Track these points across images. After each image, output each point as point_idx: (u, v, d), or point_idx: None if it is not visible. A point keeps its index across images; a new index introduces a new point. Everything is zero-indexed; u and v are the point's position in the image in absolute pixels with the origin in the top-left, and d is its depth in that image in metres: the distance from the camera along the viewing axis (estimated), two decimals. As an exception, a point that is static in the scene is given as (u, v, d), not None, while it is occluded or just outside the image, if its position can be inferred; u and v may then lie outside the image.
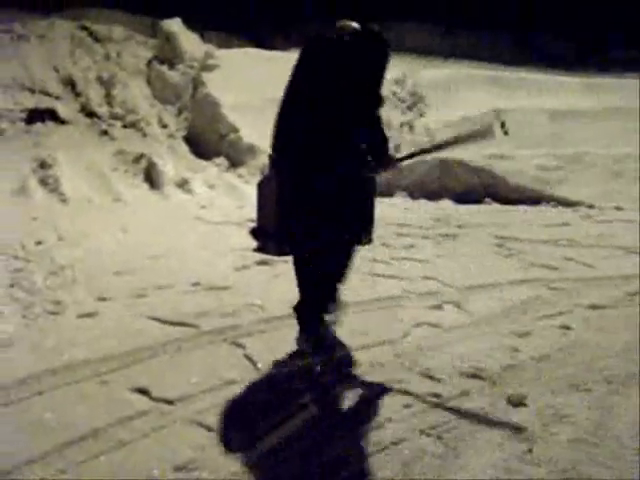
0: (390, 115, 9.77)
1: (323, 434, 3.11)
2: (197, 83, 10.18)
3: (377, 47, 3.75)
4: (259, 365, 3.77)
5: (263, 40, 15.67)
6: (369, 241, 5.94)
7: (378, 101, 3.89)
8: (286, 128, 3.79)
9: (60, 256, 5.49)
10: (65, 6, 14.01)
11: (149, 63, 12.06)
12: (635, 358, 3.94)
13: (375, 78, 3.79)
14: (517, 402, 3.45)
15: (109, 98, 10.90)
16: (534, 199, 7.66)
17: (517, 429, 3.19)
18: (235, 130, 8.80)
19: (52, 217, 6.65)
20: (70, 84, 11.36)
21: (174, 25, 11.98)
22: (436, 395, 3.47)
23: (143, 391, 3.48)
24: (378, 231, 6.23)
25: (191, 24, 12.95)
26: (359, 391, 3.53)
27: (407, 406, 3.37)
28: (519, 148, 8.55)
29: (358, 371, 3.73)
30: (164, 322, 4.32)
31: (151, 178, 8.04)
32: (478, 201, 7.78)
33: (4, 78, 11.06)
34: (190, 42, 11.73)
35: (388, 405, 3.37)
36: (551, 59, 13.98)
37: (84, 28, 12.83)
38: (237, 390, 3.52)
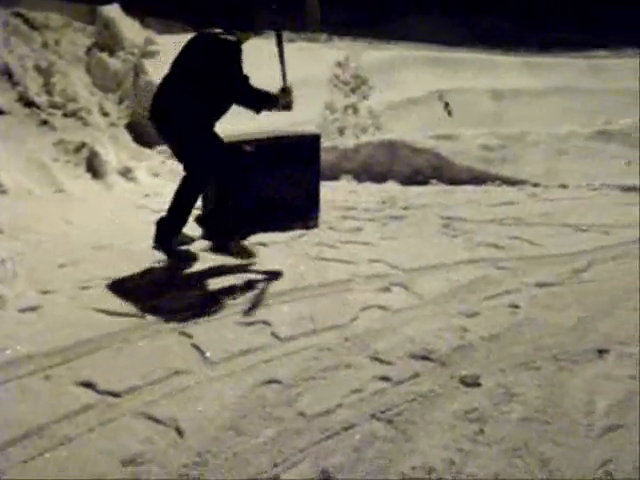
0: (334, 98, 9.74)
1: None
2: (138, 70, 9.99)
3: (215, 45, 5.04)
4: (208, 354, 3.69)
5: (204, 25, 15.49)
6: (315, 225, 5.95)
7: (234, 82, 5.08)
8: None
9: (0, 249, 5.33)
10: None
11: (88, 50, 11.81)
12: (584, 335, 3.95)
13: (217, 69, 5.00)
14: (471, 382, 3.43)
15: (48, 87, 10.63)
16: (480, 179, 7.67)
17: (469, 410, 3.17)
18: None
19: (-9, 209, 6.46)
20: (7, 73, 11.06)
21: (113, 11, 11.75)
22: (386, 378, 3.45)
23: (89, 384, 3.39)
24: (324, 215, 6.27)
25: (130, 10, 12.76)
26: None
27: (356, 391, 3.33)
28: (462, 128, 8.56)
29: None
30: (109, 313, 4.22)
31: (94, 168, 7.86)
32: (424, 182, 7.76)
33: None
34: (130, 28, 11.52)
35: (336, 390, 3.32)
36: (494, 39, 14.02)
37: (19, 15, 12.50)
38: (185, 380, 3.44)
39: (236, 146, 5.82)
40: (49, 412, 3.14)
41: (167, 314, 4.20)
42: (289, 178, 6.13)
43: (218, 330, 3.99)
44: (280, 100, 5.29)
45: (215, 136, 5.17)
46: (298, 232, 5.83)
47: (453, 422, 3.09)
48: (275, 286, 4.63)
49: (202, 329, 4.00)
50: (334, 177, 7.82)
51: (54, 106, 9.97)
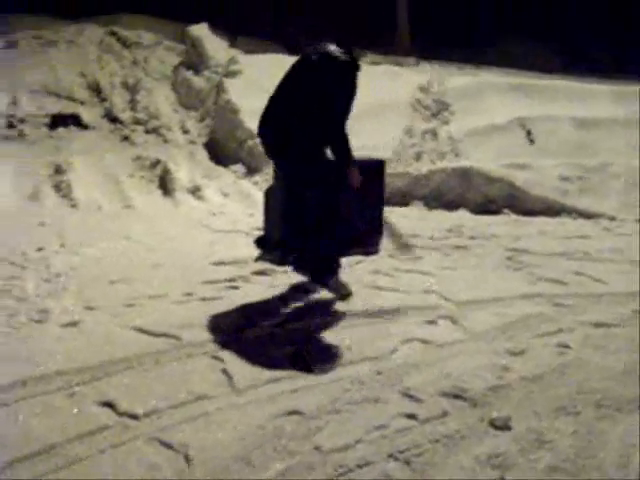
0: (413, 123, 9.62)
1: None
2: (220, 89, 10.09)
3: (335, 68, 4.59)
4: (235, 379, 3.63)
5: (296, 45, 15.60)
6: (375, 252, 5.84)
7: (336, 116, 4.65)
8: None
9: (57, 263, 5.43)
10: (96, 12, 14.04)
11: (176, 69, 12.03)
12: (633, 381, 3.73)
13: (333, 94, 4.59)
14: (501, 425, 3.27)
15: (133, 103, 10.87)
16: (554, 211, 7.42)
17: (493, 455, 3.02)
18: (253, 137, 8.64)
19: (59, 223, 6.60)
20: (96, 89, 11.39)
21: (200, 30, 11.95)
22: (412, 416, 3.32)
23: (110, 405, 3.38)
24: (386, 242, 6.16)
25: (224, 30, 12.95)
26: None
27: (379, 427, 3.21)
28: (542, 157, 8.33)
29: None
30: (147, 333, 4.21)
31: (165, 185, 7.96)
32: (497, 212, 7.56)
33: (32, 83, 11.14)
34: (216, 47, 11.68)
35: (359, 425, 3.21)
36: (590, 67, 13.66)
37: (113, 34, 12.89)
38: (207, 405, 3.38)
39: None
40: (65, 431, 3.14)
41: (205, 336, 4.17)
42: (352, 203, 6.02)
43: (252, 356, 3.92)
44: (349, 168, 4.89)
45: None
46: (357, 258, 5.72)
47: (474, 467, 2.95)
48: (319, 314, 4.53)
49: (236, 354, 3.94)
50: (404, 203, 7.70)
51: (137, 122, 10.21)
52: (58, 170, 8.13)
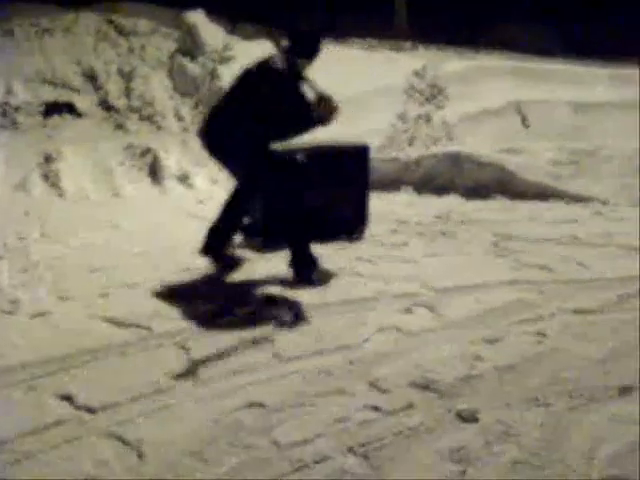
0: (407, 108, 9.51)
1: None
2: (213, 75, 9.99)
3: (266, 76, 4.72)
4: (199, 370, 3.56)
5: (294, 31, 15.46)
6: (359, 238, 5.76)
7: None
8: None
9: (37, 253, 5.37)
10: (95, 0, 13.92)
11: (171, 55, 11.92)
12: (610, 370, 3.64)
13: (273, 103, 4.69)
14: (468, 417, 3.19)
15: (128, 91, 10.79)
16: (546, 195, 7.31)
17: (456, 448, 2.93)
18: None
19: (44, 212, 6.55)
20: (91, 77, 11.29)
21: (196, 16, 11.84)
22: (376, 408, 3.23)
23: (68, 398, 3.30)
24: (373, 228, 6.07)
25: (223, 16, 12.84)
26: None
27: (341, 420, 3.12)
28: (536, 141, 8.21)
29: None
30: (117, 323, 4.14)
31: (154, 172, 7.88)
32: (487, 197, 7.45)
33: (27, 72, 11.05)
34: (211, 34, 11.56)
35: (321, 418, 3.12)
36: (590, 50, 13.48)
37: (110, 22, 12.77)
38: (167, 398, 3.30)
39: (288, 157, 5.69)
40: (19, 425, 3.06)
41: (176, 326, 4.10)
42: (336, 189, 5.95)
43: (220, 345, 3.85)
44: (315, 112, 4.75)
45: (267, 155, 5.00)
46: (341, 245, 5.63)
47: (435, 461, 2.86)
48: (294, 302, 4.45)
49: (205, 344, 3.87)
50: (394, 189, 7.59)
51: (131, 110, 10.12)
52: (48, 159, 8.07)
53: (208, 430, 3.04)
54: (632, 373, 3.59)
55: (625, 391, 3.44)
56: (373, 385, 3.44)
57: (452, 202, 7.26)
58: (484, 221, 6.48)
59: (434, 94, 9.79)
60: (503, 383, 3.50)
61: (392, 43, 12.89)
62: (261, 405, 3.25)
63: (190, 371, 3.59)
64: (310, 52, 4.83)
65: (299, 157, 5.84)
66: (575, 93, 9.82)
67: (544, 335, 4.05)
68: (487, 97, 9.57)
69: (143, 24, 12.87)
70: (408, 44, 13.03)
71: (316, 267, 4.91)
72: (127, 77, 11.12)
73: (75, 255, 5.35)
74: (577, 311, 4.39)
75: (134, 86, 10.76)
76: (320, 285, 4.81)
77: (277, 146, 5.72)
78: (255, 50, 10.42)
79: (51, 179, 7.52)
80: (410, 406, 3.25)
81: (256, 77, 4.78)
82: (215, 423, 3.11)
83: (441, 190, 7.57)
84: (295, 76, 4.71)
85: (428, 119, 9.24)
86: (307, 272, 4.87)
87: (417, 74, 10.08)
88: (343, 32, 13.50)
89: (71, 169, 7.73)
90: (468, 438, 3.01)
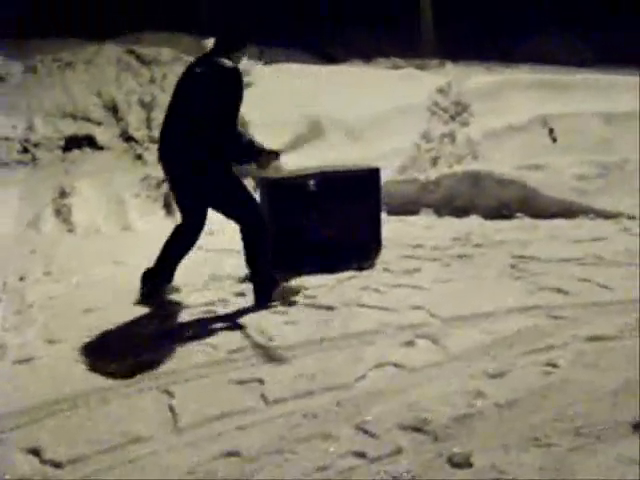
0: (430, 126, 9.27)
1: None
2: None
3: (213, 75, 4.55)
4: (179, 417, 3.35)
5: (322, 52, 15.41)
6: (370, 266, 5.51)
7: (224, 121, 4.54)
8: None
9: (34, 293, 5.23)
10: (119, 32, 13.94)
11: (194, 84, 11.81)
12: (623, 403, 3.35)
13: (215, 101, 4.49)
14: (460, 462, 2.93)
15: (148, 121, 10.71)
16: (571, 212, 6.98)
17: (443, 498, 2.68)
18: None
19: (52, 249, 6.42)
20: (112, 109, 11.25)
21: (214, 43, 11.70)
22: (361, 455, 2.99)
23: (36, 451, 3.13)
24: (386, 254, 5.82)
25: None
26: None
27: (321, 469, 2.90)
28: (562, 156, 7.89)
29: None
30: (101, 369, 3.96)
31: (169, 204, 7.73)
32: (509, 217, 7.15)
33: (47, 106, 11.05)
34: (231, 60, 11.42)
35: (299, 467, 2.89)
36: (620, 59, 13.11)
37: (131, 52, 12.74)
38: (140, 449, 3.09)
39: (298, 183, 5.55)
40: (-21, 484, 2.86)
41: (162, 368, 3.91)
42: (346, 216, 5.73)
43: (204, 390, 3.65)
44: (260, 158, 4.83)
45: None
46: (349, 274, 5.40)
47: (417, 514, 2.60)
48: (289, 338, 4.24)
49: (187, 388, 3.68)
50: (414, 211, 7.34)
51: (152, 140, 10.00)
52: (62, 194, 7.96)
53: (177, 485, 2.82)
54: (646, 407, 3.30)
55: (637, 427, 3.13)
56: (360, 428, 3.20)
57: (472, 223, 6.97)
58: (503, 242, 6.19)
59: (458, 111, 9.52)
60: (503, 422, 3.24)
61: (418, 61, 12.67)
62: (238, 454, 3.02)
63: (170, 418, 3.37)
64: (240, 42, 4.76)
65: (311, 184, 5.66)
66: (604, 104, 9.48)
67: (554, 366, 3.77)
68: (513, 112, 9.27)
69: (165, 53, 12.82)
70: (435, 61, 12.80)
71: (276, 286, 4.87)
72: (148, 107, 11.03)
73: (72, 294, 5.20)
74: (592, 338, 4.10)
75: (154, 116, 10.66)
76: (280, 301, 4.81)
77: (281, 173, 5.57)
78: (274, 75, 10.37)
79: (63, 214, 7.40)
80: (398, 451, 3.01)
81: (205, 76, 4.60)
82: (188, 474, 2.89)
83: (461, 211, 7.29)
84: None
85: (452, 138, 8.96)
86: (268, 292, 4.83)
87: (441, 91, 9.83)
88: (368, 52, 13.35)
89: (84, 203, 7.61)
90: (456, 487, 2.75)
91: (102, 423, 3.35)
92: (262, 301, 4.77)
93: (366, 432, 3.17)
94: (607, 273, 5.25)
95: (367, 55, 13.09)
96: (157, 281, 4.99)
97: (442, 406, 3.36)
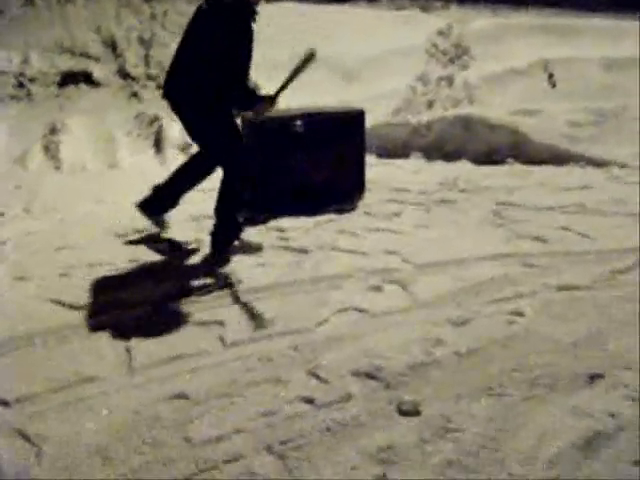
0: (428, 69, 9.11)
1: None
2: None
3: (226, 13, 4.32)
4: (135, 357, 3.32)
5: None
6: (350, 209, 5.44)
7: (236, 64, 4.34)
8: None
9: (11, 230, 5.17)
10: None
11: (193, 21, 11.63)
12: (584, 354, 3.31)
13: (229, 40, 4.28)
14: (409, 410, 2.89)
15: (147, 58, 10.56)
16: (562, 159, 6.87)
17: (385, 447, 2.64)
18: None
19: (36, 186, 6.35)
20: (111, 45, 11.09)
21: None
22: (310, 400, 2.95)
23: (-14, 390, 3.08)
24: (369, 197, 5.75)
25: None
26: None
27: (268, 414, 2.85)
28: (557, 101, 7.76)
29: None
30: (66, 306, 3.92)
31: (159, 142, 7.65)
32: (500, 162, 7.04)
33: (45, 41, 10.88)
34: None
35: (246, 411, 2.86)
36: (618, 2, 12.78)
37: (144, -13, 12.51)
38: (89, 389, 3.07)
39: (283, 124, 5.45)
40: None
41: (123, 310, 3.85)
42: (328, 158, 5.65)
43: (162, 330, 3.61)
44: (261, 105, 4.63)
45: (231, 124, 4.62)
46: (329, 216, 5.33)
47: (357, 462, 2.58)
48: (258, 280, 4.19)
49: (147, 329, 3.65)
50: (403, 155, 7.24)
51: (149, 78, 9.86)
52: (52, 130, 7.86)
53: (122, 425, 2.82)
54: (604, 359, 3.26)
55: (594, 379, 3.10)
56: (313, 374, 3.17)
57: (461, 168, 6.88)
58: (490, 188, 6.11)
59: (458, 54, 9.35)
60: (459, 371, 3.20)
61: (423, 2, 12.40)
62: (185, 397, 3.00)
63: (126, 359, 3.35)
64: None
65: (297, 125, 5.57)
66: (609, 50, 9.28)
67: (520, 315, 3.73)
68: (514, 56, 9.12)
69: (168, -11, 12.59)
70: (439, 3, 12.52)
71: (237, 239, 4.72)
72: (147, 44, 10.88)
73: (49, 232, 5.15)
74: (563, 288, 4.04)
75: (153, 53, 10.52)
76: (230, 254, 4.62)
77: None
78: (271, 13, 10.16)
79: (51, 151, 7.32)
80: (347, 398, 2.97)
81: (219, 12, 4.40)
82: (133, 416, 2.88)
83: (452, 156, 7.19)
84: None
85: (450, 81, 8.81)
86: (227, 243, 4.70)
87: (441, 33, 9.63)
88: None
89: (73, 140, 7.54)
90: (402, 434, 2.72)
91: (58, 362, 3.32)
92: (218, 251, 4.66)
93: (318, 378, 3.13)
94: (590, 222, 5.18)
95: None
96: (161, 204, 4.94)
97: (399, 354, 3.32)
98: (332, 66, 8.51)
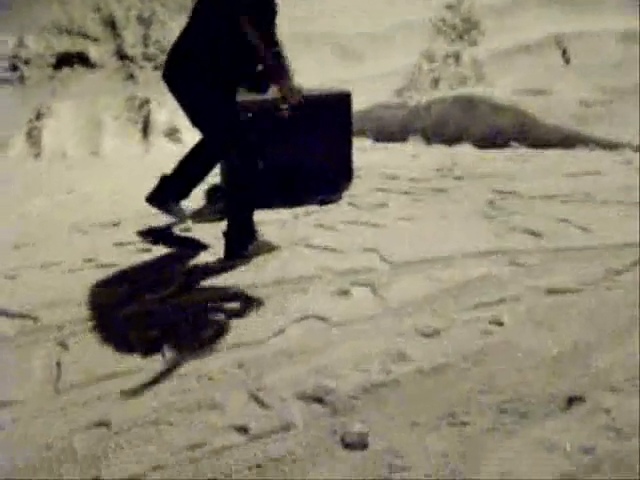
0: (435, 45, 8.68)
1: None
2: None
3: None
4: (64, 376, 2.99)
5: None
6: (334, 200, 5.07)
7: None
8: None
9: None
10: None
11: (193, -1, 11.28)
12: (565, 371, 2.93)
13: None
14: (354, 442, 2.54)
15: (145, 38, 10.24)
16: (570, 142, 6.43)
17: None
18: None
19: (9, 176, 6.04)
20: (110, 24, 10.78)
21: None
22: (244, 430, 2.60)
23: None
24: (355, 186, 5.38)
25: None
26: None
27: (194, 447, 2.51)
28: (568, 79, 7.29)
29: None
30: (3, 313, 3.59)
31: (146, 126, 7.32)
32: (503, 145, 6.61)
33: (42, 22, 10.62)
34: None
35: (170, 442, 2.52)
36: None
37: (137, -36, 12.18)
38: (4, 415, 2.75)
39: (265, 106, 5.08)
40: None
41: (68, 317, 3.55)
42: (311, 145, 5.27)
43: (105, 343, 3.28)
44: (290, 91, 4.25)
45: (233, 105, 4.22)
46: (311, 208, 4.97)
47: (287, 508, 2.22)
48: (213, 283, 3.84)
49: (87, 340, 3.30)
50: (402, 138, 6.84)
51: (147, 58, 9.57)
52: (38, 116, 7.56)
53: (30, 460, 2.50)
54: (588, 377, 2.87)
55: (572, 403, 2.71)
56: (254, 397, 2.81)
57: (461, 152, 6.46)
58: (489, 175, 5.70)
59: (467, 29, 8.88)
60: (419, 393, 2.83)
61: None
62: (107, 424, 2.65)
63: (54, 376, 3.02)
64: None
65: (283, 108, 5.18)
66: (627, 22, 8.77)
67: (498, 324, 3.33)
68: (525, 30, 8.68)
69: (170, -34, 12.24)
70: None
71: (253, 240, 4.21)
72: (146, 23, 10.56)
73: (7, 228, 4.82)
74: (551, 291, 3.64)
75: (152, 33, 10.19)
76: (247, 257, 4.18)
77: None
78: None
79: (33, 137, 7.01)
80: (287, 427, 2.63)
81: None
82: (44, 450, 2.55)
83: (453, 139, 6.76)
84: None
85: (457, 58, 8.36)
86: (241, 245, 4.19)
87: (450, 7, 9.17)
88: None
89: (57, 126, 7.21)
90: (341, 473, 2.37)
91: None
92: (233, 254, 4.22)
93: (259, 401, 2.78)
94: (591, 212, 4.78)
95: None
96: (171, 194, 4.62)
97: (354, 371, 2.96)
98: (334, 45, 8.13)
